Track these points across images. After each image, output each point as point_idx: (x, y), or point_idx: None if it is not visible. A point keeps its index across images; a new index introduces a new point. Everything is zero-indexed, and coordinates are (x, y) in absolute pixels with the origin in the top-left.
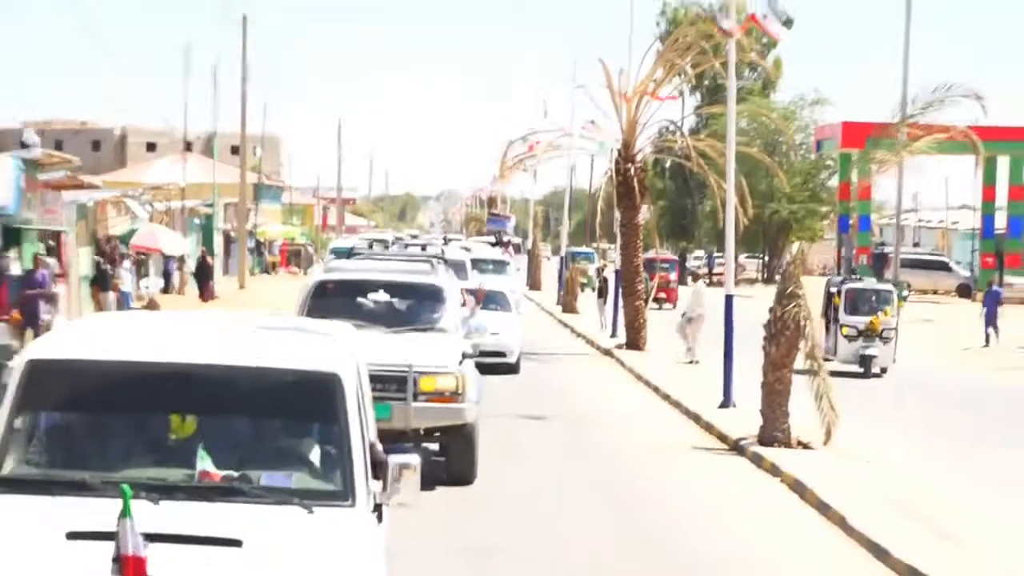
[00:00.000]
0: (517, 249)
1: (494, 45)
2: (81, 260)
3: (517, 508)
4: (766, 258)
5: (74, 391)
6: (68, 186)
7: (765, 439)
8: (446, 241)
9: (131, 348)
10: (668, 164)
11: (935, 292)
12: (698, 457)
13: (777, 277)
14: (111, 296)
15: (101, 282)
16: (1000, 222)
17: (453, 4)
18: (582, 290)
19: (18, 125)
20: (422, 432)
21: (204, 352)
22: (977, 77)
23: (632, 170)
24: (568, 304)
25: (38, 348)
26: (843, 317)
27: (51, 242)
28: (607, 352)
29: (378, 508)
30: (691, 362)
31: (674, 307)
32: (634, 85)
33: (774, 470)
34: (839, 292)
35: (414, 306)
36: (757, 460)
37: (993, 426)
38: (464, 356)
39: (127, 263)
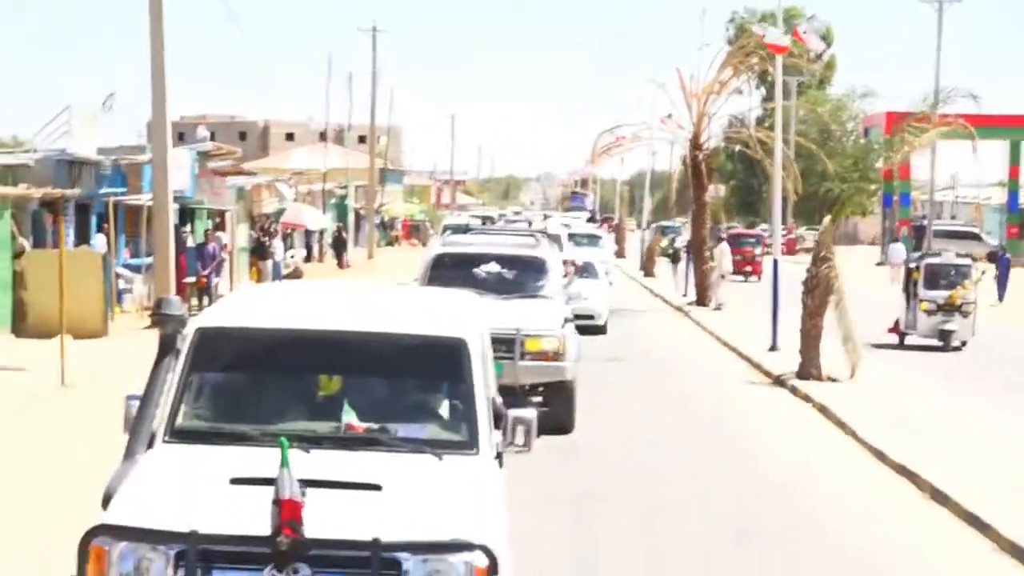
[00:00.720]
0: (609, 223)
1: (588, 44)
2: (239, 235)
3: (609, 425)
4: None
5: (236, 355)
6: (231, 173)
7: (802, 374)
8: (546, 217)
9: (284, 317)
10: (737, 149)
11: (979, 259)
12: (749, 388)
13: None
14: (268, 264)
15: (260, 252)
16: None
17: (551, 11)
18: (662, 257)
19: (176, 118)
20: (527, 387)
21: (347, 320)
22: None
23: (700, 157)
24: (648, 269)
25: (206, 317)
26: (922, 292)
27: (217, 219)
28: (678, 308)
29: (499, 456)
30: (716, 308)
31: (759, 280)
32: (702, 86)
33: (807, 398)
34: (918, 267)
35: (521, 276)
36: (794, 391)
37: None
38: (566, 320)
39: (278, 237)
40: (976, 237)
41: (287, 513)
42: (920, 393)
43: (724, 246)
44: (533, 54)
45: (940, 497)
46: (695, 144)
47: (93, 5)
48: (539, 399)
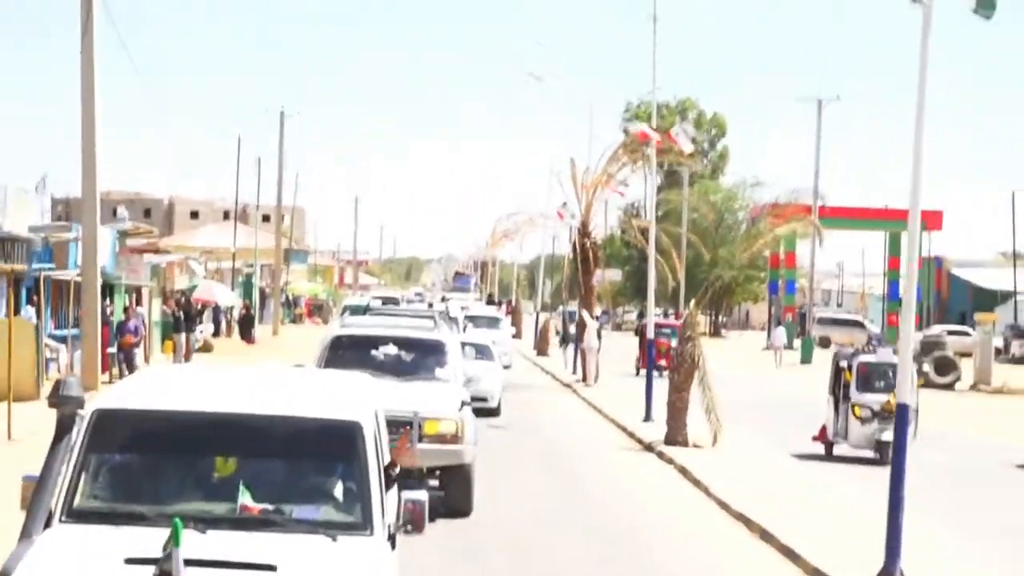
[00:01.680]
0: (508, 305)
1: (489, 130)
2: (154, 310)
3: (493, 492)
4: (712, 315)
5: (133, 436)
6: (147, 250)
7: (669, 441)
8: (444, 300)
9: (181, 399)
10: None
11: (852, 345)
12: (622, 453)
13: (722, 330)
14: (182, 337)
15: (176, 327)
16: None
17: (453, 97)
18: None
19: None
20: (425, 471)
21: (243, 403)
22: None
23: (588, 244)
24: (542, 349)
25: (103, 399)
26: (855, 395)
27: (135, 295)
28: (567, 385)
29: (392, 537)
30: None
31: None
32: (592, 179)
33: (670, 461)
34: (849, 366)
35: (419, 358)
36: (661, 456)
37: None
38: (463, 403)
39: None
40: (859, 324)
41: None
42: (771, 460)
43: (595, 323)
44: (437, 138)
45: (767, 536)
46: (583, 232)
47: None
48: (435, 483)
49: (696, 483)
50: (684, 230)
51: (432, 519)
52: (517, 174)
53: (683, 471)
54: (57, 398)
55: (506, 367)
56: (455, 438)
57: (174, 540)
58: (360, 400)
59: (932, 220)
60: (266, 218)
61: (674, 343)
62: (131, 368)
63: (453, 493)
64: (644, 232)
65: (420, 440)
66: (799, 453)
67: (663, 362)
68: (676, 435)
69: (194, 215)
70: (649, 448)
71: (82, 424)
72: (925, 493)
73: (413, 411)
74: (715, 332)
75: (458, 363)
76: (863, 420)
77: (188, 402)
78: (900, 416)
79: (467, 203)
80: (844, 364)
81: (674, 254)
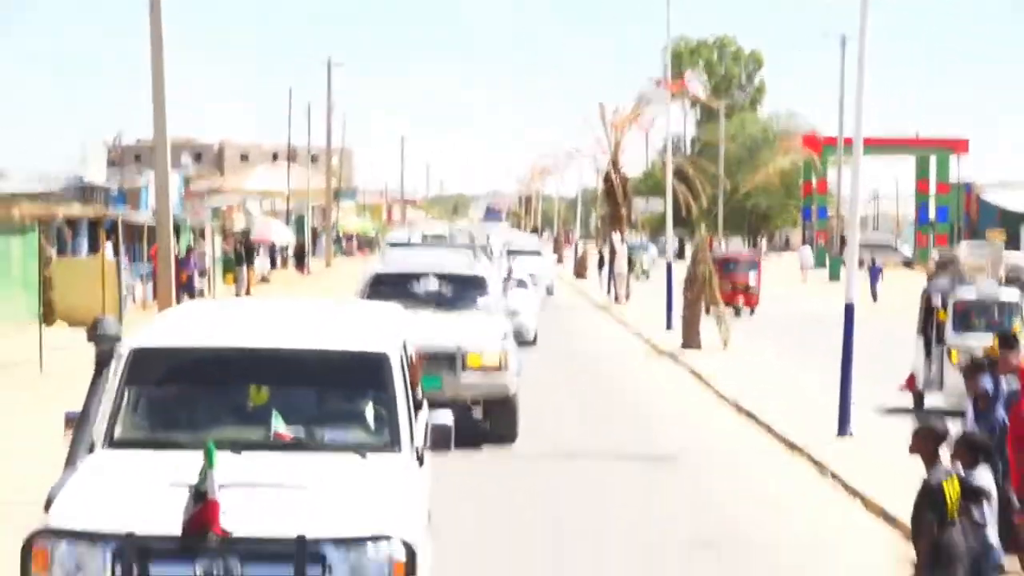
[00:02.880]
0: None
1: (529, 69)
2: (216, 247)
3: (531, 389)
4: (751, 240)
5: (169, 372)
6: (208, 193)
7: (685, 347)
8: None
9: (213, 336)
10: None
11: (886, 266)
12: (645, 358)
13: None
14: (244, 271)
15: (240, 261)
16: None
17: (499, 42)
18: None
19: (133, 141)
20: (469, 402)
21: (274, 338)
22: (929, 86)
23: (617, 178)
24: (580, 273)
25: (139, 337)
26: (952, 337)
27: (200, 235)
28: (602, 306)
29: (420, 456)
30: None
31: (752, 313)
32: (620, 118)
33: (683, 363)
34: (944, 304)
35: (460, 291)
36: (675, 359)
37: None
38: (505, 334)
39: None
40: (892, 247)
41: (213, 512)
42: (767, 359)
43: (624, 246)
44: (480, 82)
45: (750, 416)
46: (614, 167)
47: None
48: (480, 412)
49: (700, 378)
50: (720, 161)
51: (479, 446)
52: (561, 110)
53: (692, 370)
54: (95, 335)
55: (548, 292)
56: (498, 369)
57: (208, 461)
58: (388, 332)
59: (959, 146)
60: (314, 159)
61: (752, 278)
62: (192, 297)
63: (498, 422)
64: (678, 167)
65: (464, 371)
66: (887, 407)
67: (741, 299)
68: (690, 342)
69: (244, 158)
70: (665, 353)
71: (120, 361)
72: None
73: (456, 344)
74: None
75: (499, 294)
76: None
77: (220, 339)
78: (848, 314)
79: (511, 141)
80: (937, 302)
81: (699, 184)
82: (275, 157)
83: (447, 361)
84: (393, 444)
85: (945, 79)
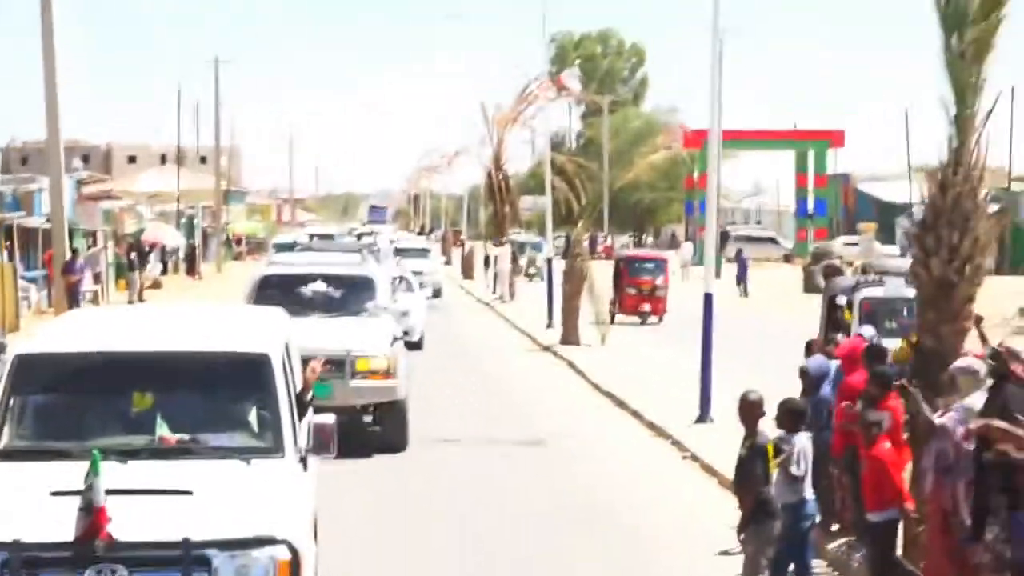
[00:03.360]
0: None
1: (418, 67)
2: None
3: (417, 380)
4: (636, 236)
5: (54, 378)
6: (101, 197)
7: (564, 342)
8: (372, 233)
9: (98, 341)
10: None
11: (767, 260)
12: (526, 354)
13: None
14: (136, 276)
15: (130, 267)
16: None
17: (382, 36)
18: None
19: (19, 144)
20: (359, 408)
21: (157, 341)
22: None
23: (499, 178)
24: (467, 273)
25: (25, 344)
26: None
27: (90, 239)
28: (487, 304)
29: (304, 459)
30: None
31: (660, 320)
32: (502, 117)
33: (562, 358)
34: (849, 303)
35: (348, 294)
36: (555, 353)
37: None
38: (395, 338)
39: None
40: (773, 241)
41: (102, 519)
42: (642, 353)
43: (506, 248)
44: (367, 77)
45: (620, 405)
46: (496, 166)
47: None
48: (370, 418)
49: (578, 371)
50: (605, 156)
51: (368, 455)
52: (448, 108)
53: (570, 364)
54: None
55: (436, 295)
56: (387, 374)
57: (94, 470)
58: (269, 333)
59: (836, 138)
60: (203, 159)
61: (659, 281)
62: (74, 304)
63: (388, 429)
64: (560, 164)
65: (353, 377)
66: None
67: (647, 306)
68: (569, 337)
69: (131, 160)
70: (546, 348)
71: (4, 369)
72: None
73: (345, 349)
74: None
75: (387, 297)
76: None
77: (104, 343)
78: (707, 303)
79: (401, 139)
80: (842, 301)
81: (578, 181)
82: (163, 159)
83: (336, 366)
84: (277, 449)
85: (822, 72)
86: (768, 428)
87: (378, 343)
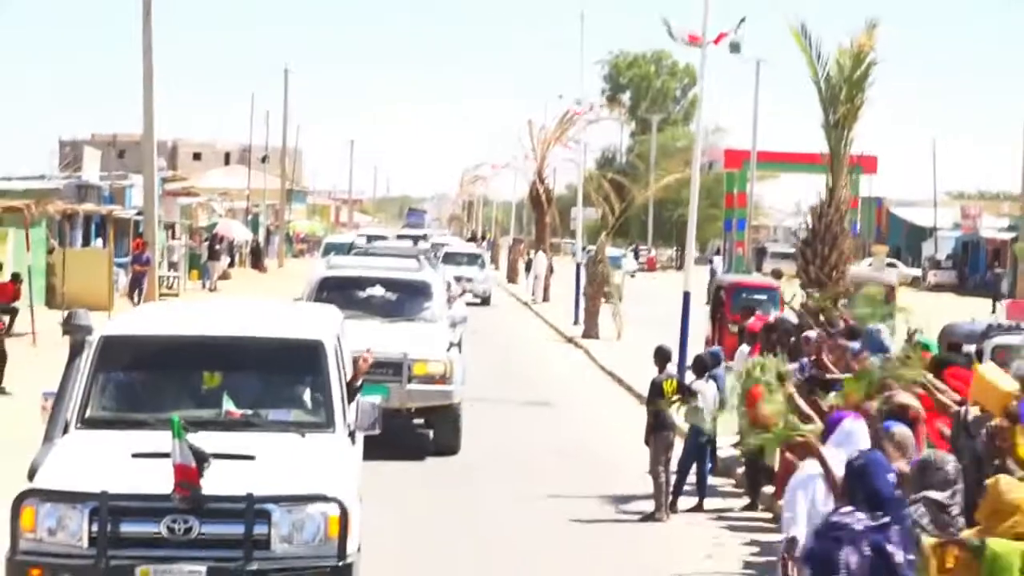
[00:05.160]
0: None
1: (479, 79)
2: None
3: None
4: (678, 250)
5: (134, 358)
6: (180, 194)
7: (586, 335)
8: (424, 237)
9: (173, 325)
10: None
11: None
12: (552, 343)
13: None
14: (215, 265)
15: (210, 256)
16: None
17: (444, 46)
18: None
19: (88, 136)
20: (414, 410)
21: (224, 327)
22: None
23: (541, 190)
24: (511, 277)
25: (108, 327)
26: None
27: (169, 232)
28: (525, 303)
29: (352, 434)
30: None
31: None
32: (547, 136)
33: (580, 347)
34: (979, 352)
35: (405, 299)
36: (576, 345)
37: None
38: (451, 344)
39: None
40: None
41: (179, 475)
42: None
43: (540, 255)
44: (430, 86)
45: (618, 381)
46: (539, 179)
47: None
48: (422, 421)
49: (591, 357)
50: (652, 173)
51: (422, 458)
52: (504, 118)
53: (586, 351)
54: (69, 327)
55: (485, 302)
56: (443, 379)
57: (175, 433)
58: (324, 324)
59: (868, 164)
60: (264, 159)
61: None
62: (136, 289)
63: (441, 432)
64: (610, 181)
65: (410, 381)
66: None
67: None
68: (590, 332)
69: (196, 156)
70: (570, 340)
71: (91, 348)
72: None
73: (402, 353)
74: (680, 265)
75: (443, 302)
76: None
77: (177, 328)
78: (685, 300)
79: (459, 145)
80: (971, 347)
81: (611, 196)
82: (227, 157)
83: (393, 369)
84: (328, 424)
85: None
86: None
87: (435, 348)
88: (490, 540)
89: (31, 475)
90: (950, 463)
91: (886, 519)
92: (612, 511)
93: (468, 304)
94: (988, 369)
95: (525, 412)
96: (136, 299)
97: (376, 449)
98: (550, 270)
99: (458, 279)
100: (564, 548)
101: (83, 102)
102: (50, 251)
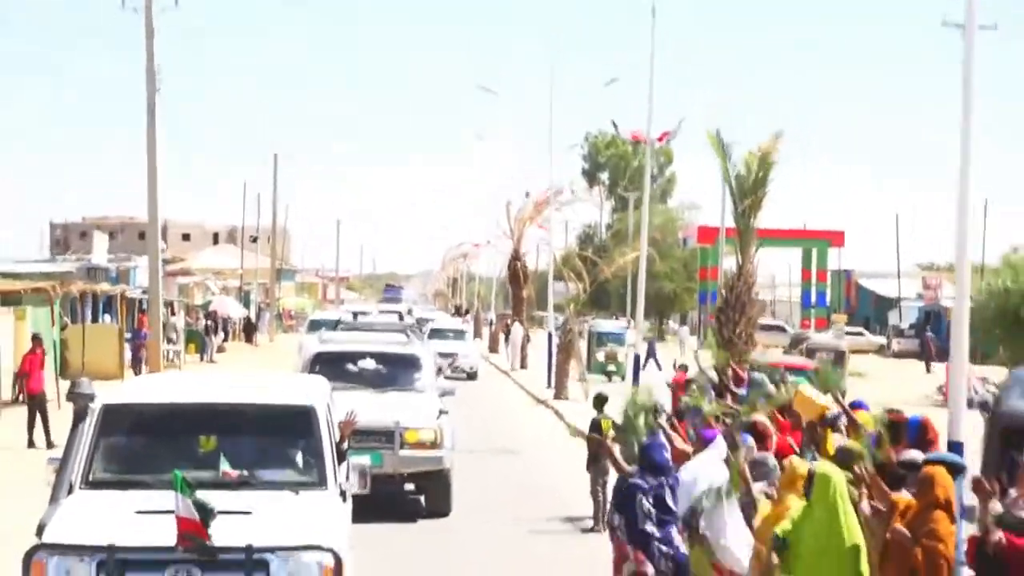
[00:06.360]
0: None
1: (460, 155)
2: (180, 320)
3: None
4: (658, 320)
5: (134, 423)
6: (179, 273)
7: (556, 397)
8: (410, 312)
9: (171, 393)
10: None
11: (776, 346)
12: (527, 406)
13: (667, 335)
14: (212, 340)
15: (207, 332)
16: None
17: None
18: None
19: (79, 219)
20: (406, 475)
21: (220, 395)
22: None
23: (518, 266)
24: (493, 348)
25: (109, 395)
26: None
27: (168, 309)
28: (505, 371)
29: (343, 493)
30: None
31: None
32: (522, 216)
33: (551, 407)
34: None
35: (396, 370)
36: (547, 405)
37: None
38: (440, 412)
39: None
40: (782, 329)
41: (183, 527)
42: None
43: (516, 326)
44: (412, 163)
45: (581, 434)
46: (515, 256)
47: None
48: (413, 487)
49: (559, 416)
50: (644, 247)
51: (414, 520)
52: (485, 196)
53: (556, 411)
54: (73, 395)
55: (471, 377)
56: (434, 445)
57: (178, 487)
58: (315, 392)
59: (836, 238)
60: (253, 239)
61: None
62: (137, 363)
63: (433, 496)
64: (583, 259)
65: (402, 447)
66: None
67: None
68: (560, 393)
69: (185, 237)
70: (541, 402)
71: (93, 415)
72: None
73: (395, 421)
74: (660, 335)
75: (432, 373)
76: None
77: (175, 396)
78: (636, 360)
79: (443, 223)
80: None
81: (584, 272)
82: (216, 237)
83: (385, 437)
84: (321, 483)
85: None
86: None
87: (426, 416)
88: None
89: (39, 532)
90: (770, 460)
91: (663, 478)
92: (561, 526)
93: (455, 379)
94: (806, 388)
95: (495, 459)
96: (138, 371)
97: (369, 514)
98: (526, 340)
99: (443, 355)
100: (523, 554)
101: (71, 185)
102: (63, 327)
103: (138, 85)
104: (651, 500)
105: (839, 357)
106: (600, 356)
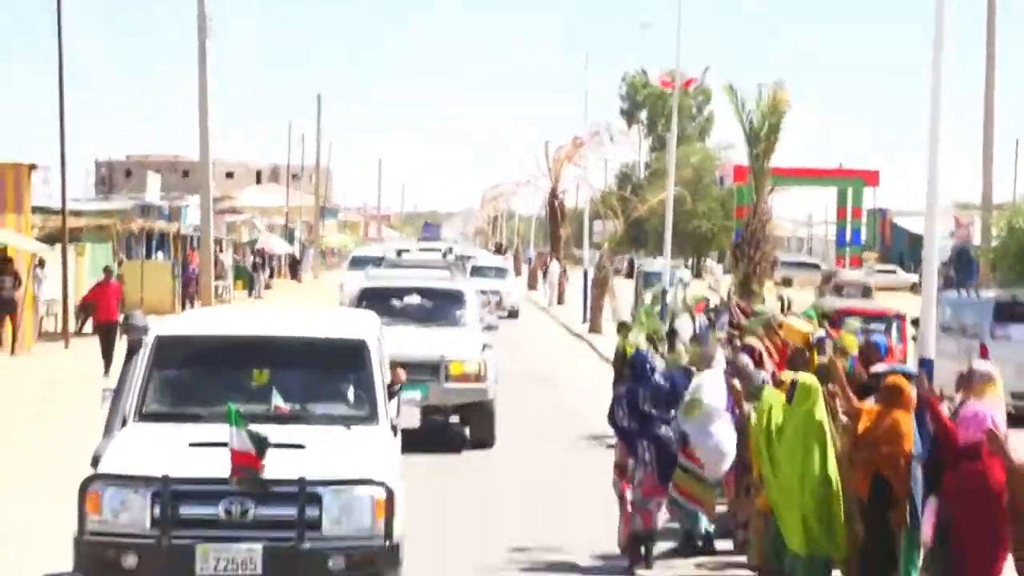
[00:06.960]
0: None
1: (503, 96)
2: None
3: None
4: (695, 260)
5: (187, 356)
6: (227, 211)
7: (590, 331)
8: (450, 249)
9: (223, 326)
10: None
11: (812, 284)
12: (562, 337)
13: (702, 272)
14: (260, 276)
15: (254, 268)
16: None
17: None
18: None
19: (123, 158)
20: (451, 407)
21: (274, 328)
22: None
23: (556, 204)
24: (532, 285)
25: (163, 327)
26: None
27: (217, 246)
28: (543, 308)
29: (394, 427)
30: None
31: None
32: (559, 155)
33: (585, 340)
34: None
35: (440, 305)
36: (581, 338)
37: None
38: (484, 346)
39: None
40: (816, 267)
41: (237, 460)
42: None
43: (553, 264)
44: (456, 103)
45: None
46: (553, 194)
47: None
48: (458, 419)
49: (593, 348)
50: (670, 188)
51: (458, 450)
52: (526, 135)
53: (590, 344)
54: (126, 327)
55: (512, 315)
56: (478, 377)
57: (232, 420)
58: (366, 326)
59: (870, 178)
60: (295, 177)
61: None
62: (187, 298)
63: (476, 427)
64: (620, 198)
65: (446, 380)
66: None
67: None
68: (595, 327)
69: (229, 175)
70: (577, 335)
71: (147, 348)
72: None
73: (440, 355)
74: (697, 275)
75: (476, 308)
76: None
77: (228, 328)
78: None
79: (485, 161)
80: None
81: (618, 210)
82: (259, 176)
83: (431, 370)
84: (372, 417)
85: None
86: None
87: (469, 349)
88: (502, 489)
89: (95, 463)
90: (758, 376)
91: (635, 385)
92: (590, 443)
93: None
94: (791, 319)
95: (533, 385)
96: (189, 305)
97: (416, 444)
98: (564, 276)
99: (485, 292)
100: (560, 475)
101: (115, 124)
102: (119, 263)
103: (180, 24)
104: (626, 401)
105: (866, 292)
106: (648, 298)
